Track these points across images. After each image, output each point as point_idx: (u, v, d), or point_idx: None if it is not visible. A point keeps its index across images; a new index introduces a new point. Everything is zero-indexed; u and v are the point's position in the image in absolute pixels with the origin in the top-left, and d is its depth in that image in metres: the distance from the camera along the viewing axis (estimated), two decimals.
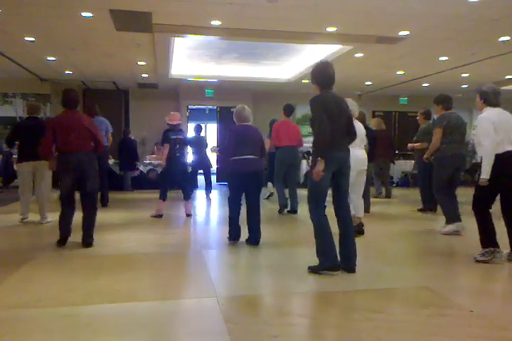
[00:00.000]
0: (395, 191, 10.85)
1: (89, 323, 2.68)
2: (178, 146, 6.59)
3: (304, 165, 11.94)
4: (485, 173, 3.97)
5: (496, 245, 4.08)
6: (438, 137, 5.42)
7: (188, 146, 7.05)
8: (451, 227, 5.42)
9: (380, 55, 8.66)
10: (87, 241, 4.73)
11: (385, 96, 13.80)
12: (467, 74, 10.54)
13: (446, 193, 5.46)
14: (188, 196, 6.85)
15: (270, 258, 4.39)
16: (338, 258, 3.72)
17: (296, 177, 7.43)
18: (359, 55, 8.64)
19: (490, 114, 4.08)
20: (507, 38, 7.25)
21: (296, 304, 3.20)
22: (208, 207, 8.25)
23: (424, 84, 12.04)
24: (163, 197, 6.60)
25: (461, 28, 6.77)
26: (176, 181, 6.85)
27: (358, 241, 5.15)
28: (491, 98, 4.12)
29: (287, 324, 2.69)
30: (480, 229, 4.20)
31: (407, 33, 7.07)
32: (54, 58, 9.15)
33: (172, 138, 6.57)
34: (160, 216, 6.56)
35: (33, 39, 7.60)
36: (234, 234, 4.96)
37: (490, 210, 4.17)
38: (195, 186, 10.02)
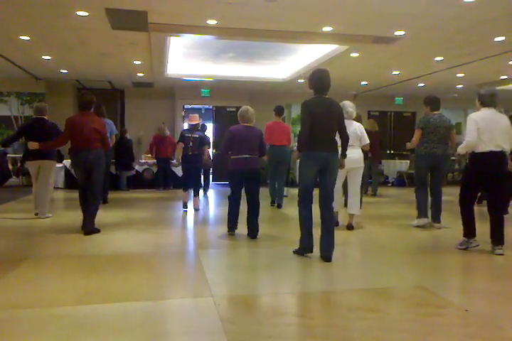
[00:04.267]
0: (391, 191, 10.90)
1: (84, 323, 2.67)
2: (191, 144, 6.91)
3: None
4: (459, 150, 4.59)
5: (469, 236, 4.55)
6: (415, 137, 5.84)
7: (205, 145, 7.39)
8: (417, 221, 5.90)
9: (376, 55, 8.68)
10: (85, 230, 5.18)
11: (380, 96, 13.82)
12: (462, 75, 10.58)
13: (420, 189, 5.92)
14: (196, 192, 7.35)
15: (266, 258, 4.40)
16: (313, 245, 4.18)
17: (283, 174, 7.80)
18: (355, 54, 8.65)
19: (477, 115, 4.45)
20: (502, 38, 7.28)
21: (292, 304, 3.20)
22: (205, 206, 8.24)
23: (419, 84, 12.07)
24: (184, 189, 7.34)
25: (457, 28, 6.79)
26: (189, 178, 7.30)
27: (354, 240, 5.17)
28: (486, 100, 4.46)
29: (283, 324, 2.69)
30: (462, 219, 4.62)
31: (402, 33, 7.08)
32: (49, 57, 9.11)
33: (186, 137, 6.96)
34: (184, 205, 7.27)
35: (28, 38, 7.56)
36: (231, 227, 5.30)
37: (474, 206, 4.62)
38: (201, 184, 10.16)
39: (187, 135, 6.96)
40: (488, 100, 4.43)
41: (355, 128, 5.56)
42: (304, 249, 4.23)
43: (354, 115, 5.66)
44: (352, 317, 2.78)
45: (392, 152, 13.93)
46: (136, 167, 11.02)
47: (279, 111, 7.73)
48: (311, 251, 4.20)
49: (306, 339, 2.51)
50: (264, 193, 8.14)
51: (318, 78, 4.17)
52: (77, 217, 5.53)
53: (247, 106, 5.46)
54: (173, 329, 2.72)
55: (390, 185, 12.41)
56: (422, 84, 12.06)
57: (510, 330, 2.64)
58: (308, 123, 4.05)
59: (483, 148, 4.35)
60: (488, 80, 11.20)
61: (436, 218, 5.85)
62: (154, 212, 7.35)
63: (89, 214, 5.23)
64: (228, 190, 5.44)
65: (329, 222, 4.17)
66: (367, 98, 13.88)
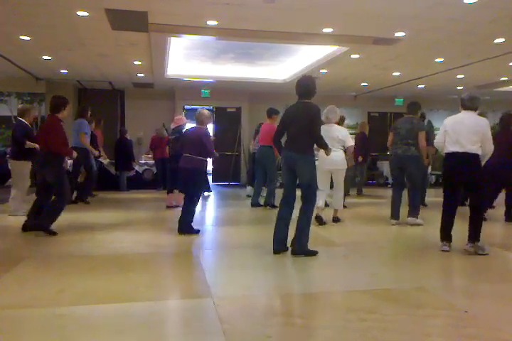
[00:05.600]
0: (390, 192, 10.88)
1: (83, 324, 2.66)
2: (171, 145, 7.36)
3: None
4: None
5: (443, 239, 4.66)
6: (388, 140, 6.39)
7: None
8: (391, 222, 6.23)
9: (376, 56, 8.67)
10: (36, 225, 5.15)
11: (380, 97, 13.82)
12: (462, 76, 10.58)
13: (394, 189, 6.33)
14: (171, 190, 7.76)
15: (265, 259, 4.38)
16: (278, 247, 4.38)
17: (269, 174, 7.86)
18: (355, 56, 8.65)
19: (449, 118, 4.73)
20: (502, 39, 7.28)
21: (291, 304, 3.20)
22: (204, 207, 8.24)
23: (419, 86, 12.07)
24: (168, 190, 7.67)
25: (457, 29, 6.79)
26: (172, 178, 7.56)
27: (352, 241, 5.16)
28: (466, 103, 4.67)
29: (282, 324, 2.69)
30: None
31: (402, 34, 7.09)
32: (49, 57, 9.11)
33: (170, 139, 7.45)
34: (168, 207, 7.61)
35: (28, 38, 7.57)
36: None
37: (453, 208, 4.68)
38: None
39: (170, 137, 7.43)
40: (468, 103, 4.64)
41: (334, 132, 5.96)
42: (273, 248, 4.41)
43: (334, 120, 6.04)
44: (351, 319, 2.77)
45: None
46: (136, 167, 11.02)
47: (268, 113, 7.98)
48: (277, 253, 4.36)
49: (305, 340, 2.51)
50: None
51: (301, 85, 4.41)
52: (74, 217, 5.53)
53: (203, 109, 5.75)
54: (172, 330, 2.72)
55: (389, 186, 12.40)
56: (422, 86, 12.06)
57: (509, 332, 2.64)
58: (280, 125, 4.56)
59: (448, 149, 4.56)
60: (487, 82, 11.20)
61: (409, 213, 6.15)
62: (153, 212, 7.35)
63: (45, 212, 5.17)
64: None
65: (300, 220, 4.35)
66: (367, 99, 13.88)
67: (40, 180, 5.41)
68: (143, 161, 11.45)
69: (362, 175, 10.01)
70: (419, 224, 6.09)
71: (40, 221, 5.14)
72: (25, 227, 5.28)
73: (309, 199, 4.39)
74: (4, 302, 3.01)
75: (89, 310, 2.89)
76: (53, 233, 5.11)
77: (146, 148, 12.41)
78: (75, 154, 5.67)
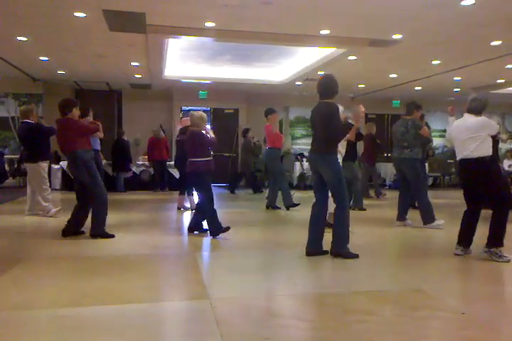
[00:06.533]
0: (388, 193, 10.90)
1: (81, 325, 2.65)
2: (177, 146, 7.58)
3: (298, 167, 12.04)
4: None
5: (459, 243, 4.39)
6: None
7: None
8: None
9: (373, 58, 8.70)
10: (91, 233, 5.02)
11: (377, 99, 13.85)
12: (459, 78, 10.62)
13: (399, 192, 6.25)
14: (183, 192, 7.62)
15: (263, 260, 4.39)
16: (311, 248, 4.28)
17: (272, 175, 7.86)
18: (352, 57, 8.67)
19: (456, 122, 4.60)
20: (499, 42, 7.31)
21: (289, 306, 3.19)
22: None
23: (416, 88, 12.10)
24: (181, 192, 7.53)
25: (454, 32, 6.82)
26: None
27: (351, 244, 5.16)
28: (467, 106, 4.51)
29: (279, 326, 2.68)
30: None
31: (400, 36, 7.11)
32: (47, 58, 9.10)
33: (177, 140, 7.58)
34: (178, 208, 7.49)
35: (25, 39, 7.56)
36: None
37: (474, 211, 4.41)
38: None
39: (177, 139, 7.48)
40: (468, 106, 4.45)
41: None
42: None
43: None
44: (349, 320, 2.77)
45: (389, 155, 13.96)
46: (134, 168, 11.01)
47: (265, 113, 7.59)
48: (307, 254, 4.25)
49: None
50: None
51: (319, 84, 4.38)
52: None
53: (195, 111, 5.56)
54: (169, 332, 2.71)
55: (387, 187, 12.42)
56: (419, 88, 12.09)
57: (506, 333, 2.64)
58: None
59: (457, 155, 4.42)
60: (484, 84, 11.26)
61: (422, 220, 6.02)
62: (151, 213, 7.33)
63: (92, 218, 5.08)
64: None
65: (334, 220, 4.29)
66: (364, 101, 13.88)
67: (76, 184, 5.12)
68: (140, 162, 11.43)
69: (366, 177, 9.85)
70: (437, 229, 5.81)
71: (93, 229, 4.97)
72: (65, 232, 5.06)
73: (341, 198, 4.23)
74: (2, 304, 3.00)
75: (88, 311, 2.88)
76: (110, 236, 5.01)
77: (143, 148, 12.40)
78: (100, 127, 5.67)
